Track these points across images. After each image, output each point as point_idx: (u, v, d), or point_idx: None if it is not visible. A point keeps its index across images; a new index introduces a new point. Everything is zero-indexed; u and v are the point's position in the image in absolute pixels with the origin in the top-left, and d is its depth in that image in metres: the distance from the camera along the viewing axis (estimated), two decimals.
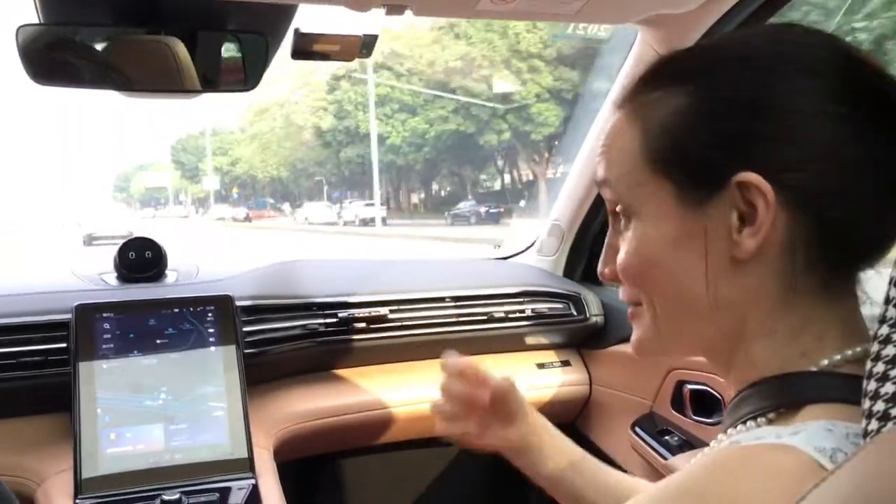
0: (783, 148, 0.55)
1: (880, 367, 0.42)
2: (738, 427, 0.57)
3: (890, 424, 0.40)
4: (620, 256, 0.62)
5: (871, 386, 0.42)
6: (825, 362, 0.55)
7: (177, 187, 54.90)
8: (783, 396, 0.55)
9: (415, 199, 37.84)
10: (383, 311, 1.54)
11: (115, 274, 1.47)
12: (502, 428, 0.95)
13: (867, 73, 0.57)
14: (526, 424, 0.95)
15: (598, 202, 1.68)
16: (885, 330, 0.42)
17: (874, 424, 0.42)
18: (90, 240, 21.24)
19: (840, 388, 0.53)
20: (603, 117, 1.57)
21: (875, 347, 0.43)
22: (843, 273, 0.58)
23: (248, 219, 36.53)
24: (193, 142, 49.34)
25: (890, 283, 0.43)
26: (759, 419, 0.56)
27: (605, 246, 0.67)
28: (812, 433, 0.50)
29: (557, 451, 0.94)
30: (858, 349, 0.55)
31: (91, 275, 1.48)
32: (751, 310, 0.58)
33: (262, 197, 46.69)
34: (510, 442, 0.95)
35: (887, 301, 0.43)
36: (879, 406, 0.41)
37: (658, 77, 0.62)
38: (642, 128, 0.60)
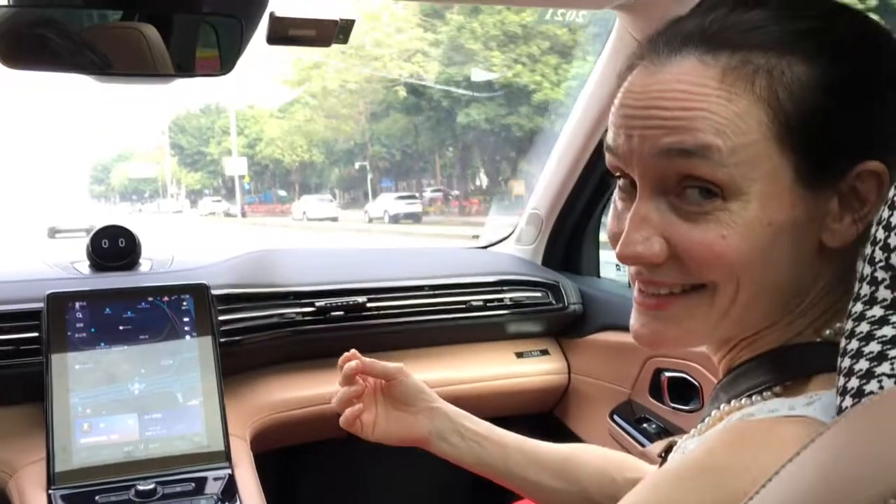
0: None
1: (854, 345, 0.42)
2: (744, 401, 0.56)
3: (865, 401, 0.40)
4: (712, 239, 0.54)
5: (846, 363, 0.42)
6: (828, 332, 0.55)
7: (174, 177, 44.63)
8: (792, 369, 0.55)
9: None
10: (361, 299, 1.52)
11: (88, 262, 1.45)
12: (405, 416, 0.95)
13: None
14: (433, 412, 0.95)
15: (577, 191, 1.68)
16: (858, 307, 0.42)
17: (848, 401, 0.42)
18: (53, 233, 21.02)
19: None
20: (584, 99, 1.56)
21: (849, 325, 0.43)
22: None
23: (244, 214, 31.09)
24: (194, 121, 40.68)
25: (864, 260, 0.43)
26: (764, 393, 0.55)
27: (635, 223, 0.56)
28: (826, 403, 0.49)
29: (477, 435, 0.95)
30: None
31: (63, 263, 1.45)
32: (809, 294, 0.56)
33: (271, 189, 37.38)
34: (419, 431, 0.95)
35: (861, 279, 0.43)
36: (854, 383, 0.41)
37: (759, 34, 0.54)
38: (766, 95, 0.52)
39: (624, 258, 0.57)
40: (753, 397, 0.55)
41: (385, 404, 0.97)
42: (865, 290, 0.42)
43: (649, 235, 0.56)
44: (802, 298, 0.56)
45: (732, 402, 0.57)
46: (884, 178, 0.52)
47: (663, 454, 0.68)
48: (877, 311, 0.41)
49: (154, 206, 45.24)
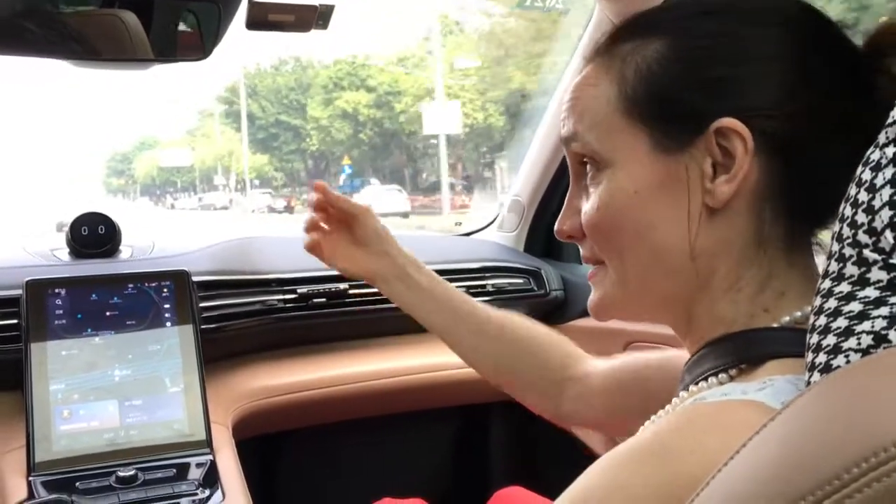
0: (759, 94, 0.55)
1: (822, 321, 0.43)
2: (700, 384, 0.57)
3: (822, 378, 0.41)
4: (589, 210, 0.61)
5: (814, 339, 0.43)
6: (786, 318, 0.56)
7: (222, 162, 34.09)
8: (745, 352, 0.56)
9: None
10: (343, 286, 1.52)
11: (68, 249, 1.44)
12: (360, 254, 1.04)
13: (823, 22, 0.59)
14: (383, 256, 1.03)
15: (558, 178, 1.68)
16: (826, 284, 0.43)
17: (816, 376, 0.42)
18: (61, 227, 20.86)
19: (800, 343, 0.54)
20: (563, 87, 1.57)
21: (818, 301, 0.44)
22: (806, 228, 0.59)
23: (288, 208, 25.39)
24: (266, 81, 29.73)
25: (832, 237, 0.44)
26: (720, 375, 0.56)
27: (565, 203, 0.66)
28: (778, 388, 0.50)
29: (417, 284, 1.02)
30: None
31: (42, 250, 1.45)
32: (722, 261, 0.58)
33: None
34: (368, 270, 1.04)
35: (830, 256, 0.44)
36: (822, 358, 0.42)
37: (631, 29, 0.61)
38: (617, 76, 0.60)
39: (556, 234, 0.67)
40: (709, 380, 0.56)
41: (346, 239, 1.05)
42: (833, 266, 0.43)
43: (572, 213, 0.65)
44: (714, 264, 0.58)
45: (691, 387, 0.58)
46: (742, 132, 0.54)
47: None
48: (844, 288, 0.42)
49: (191, 201, 36.63)
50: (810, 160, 0.56)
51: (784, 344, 0.55)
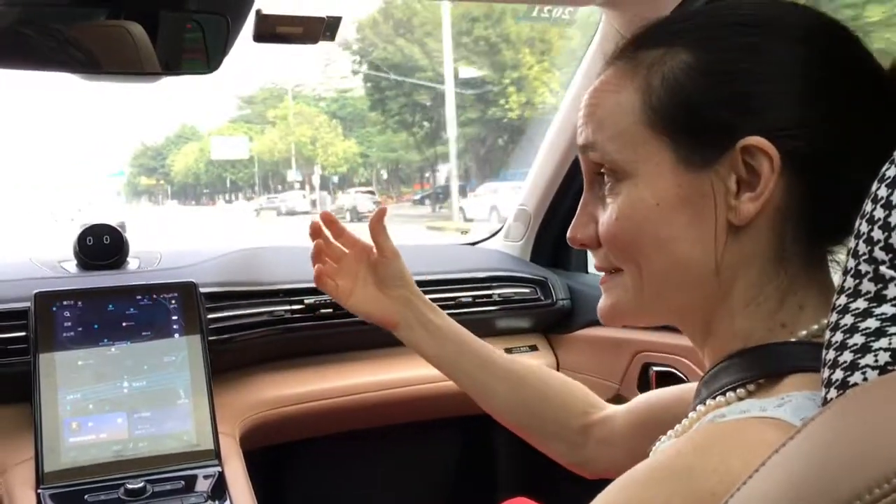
0: (785, 112, 0.55)
1: (839, 337, 0.42)
2: (718, 398, 0.57)
3: (838, 399, 0.40)
4: (607, 221, 0.60)
5: (830, 355, 0.43)
6: (804, 332, 0.56)
7: (302, 152, 26.96)
8: (764, 367, 0.55)
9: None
10: None
11: (75, 261, 1.44)
12: (380, 296, 1.00)
13: (848, 39, 0.58)
14: (405, 300, 1.00)
15: (565, 187, 1.68)
16: (842, 300, 0.43)
17: (833, 393, 0.42)
18: (54, 217, 20.69)
19: (818, 357, 0.54)
20: (571, 96, 1.57)
21: (833, 317, 0.44)
22: (826, 244, 0.59)
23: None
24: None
25: (848, 253, 0.44)
26: (738, 390, 0.56)
27: (579, 210, 0.65)
28: (797, 405, 0.50)
29: (439, 330, 0.99)
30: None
31: (50, 262, 1.45)
32: (742, 276, 0.58)
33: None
34: (389, 315, 0.99)
35: (845, 272, 0.43)
36: (838, 375, 0.42)
37: (655, 36, 0.60)
38: (642, 84, 0.58)
39: (569, 241, 0.66)
40: (727, 395, 0.56)
41: (366, 278, 1.01)
42: (850, 282, 0.43)
43: (587, 221, 0.64)
44: (734, 279, 0.58)
45: (708, 401, 0.58)
46: (769, 152, 0.54)
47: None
48: (860, 304, 0.42)
49: (251, 203, 29.76)
50: (833, 180, 0.55)
51: (803, 359, 0.54)
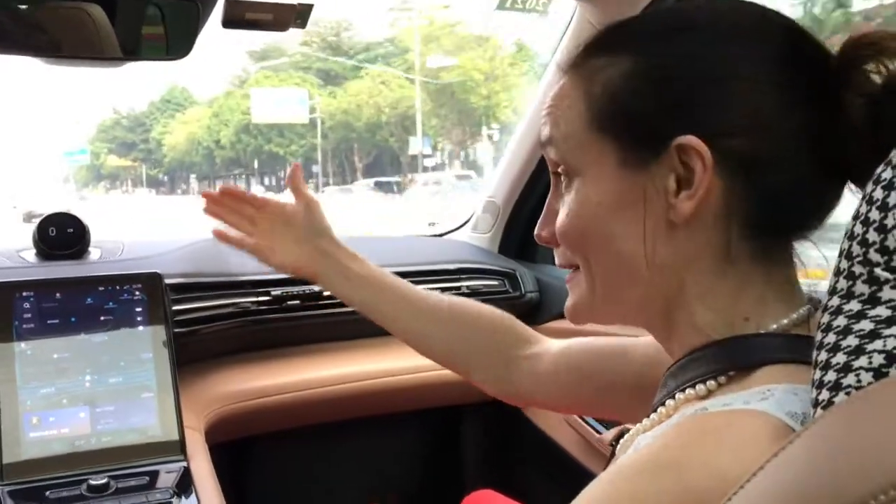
0: (721, 113, 0.56)
1: (831, 338, 0.42)
2: (688, 391, 0.58)
3: (842, 395, 0.40)
4: (560, 218, 0.64)
5: (822, 356, 0.43)
6: (773, 326, 0.57)
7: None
8: (734, 359, 0.56)
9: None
10: (317, 288, 1.51)
11: (35, 251, 1.40)
12: (301, 250, 1.04)
13: (806, 43, 0.58)
14: (324, 252, 1.04)
15: (534, 179, 1.68)
16: (835, 301, 0.43)
17: (825, 394, 0.42)
18: (29, 217, 20.29)
19: (791, 349, 0.55)
20: (542, 90, 1.57)
21: (826, 318, 0.44)
22: (782, 241, 0.60)
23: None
24: None
25: (840, 254, 0.44)
26: (709, 382, 0.56)
27: (545, 208, 0.68)
28: (780, 398, 0.50)
29: (360, 278, 1.02)
30: (802, 311, 0.57)
31: (8, 251, 1.41)
32: (687, 273, 0.59)
33: None
34: (310, 267, 1.04)
35: (837, 273, 0.43)
36: (831, 376, 0.42)
37: (603, 44, 0.63)
38: (587, 91, 0.61)
39: (536, 238, 0.70)
40: (698, 387, 0.57)
41: (283, 234, 1.05)
42: (842, 284, 0.43)
43: (551, 219, 0.66)
44: (681, 276, 0.59)
45: (678, 394, 0.59)
46: (701, 150, 0.55)
47: (614, 442, 0.70)
48: (854, 306, 0.42)
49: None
50: (774, 178, 0.56)
51: (774, 350, 0.55)
